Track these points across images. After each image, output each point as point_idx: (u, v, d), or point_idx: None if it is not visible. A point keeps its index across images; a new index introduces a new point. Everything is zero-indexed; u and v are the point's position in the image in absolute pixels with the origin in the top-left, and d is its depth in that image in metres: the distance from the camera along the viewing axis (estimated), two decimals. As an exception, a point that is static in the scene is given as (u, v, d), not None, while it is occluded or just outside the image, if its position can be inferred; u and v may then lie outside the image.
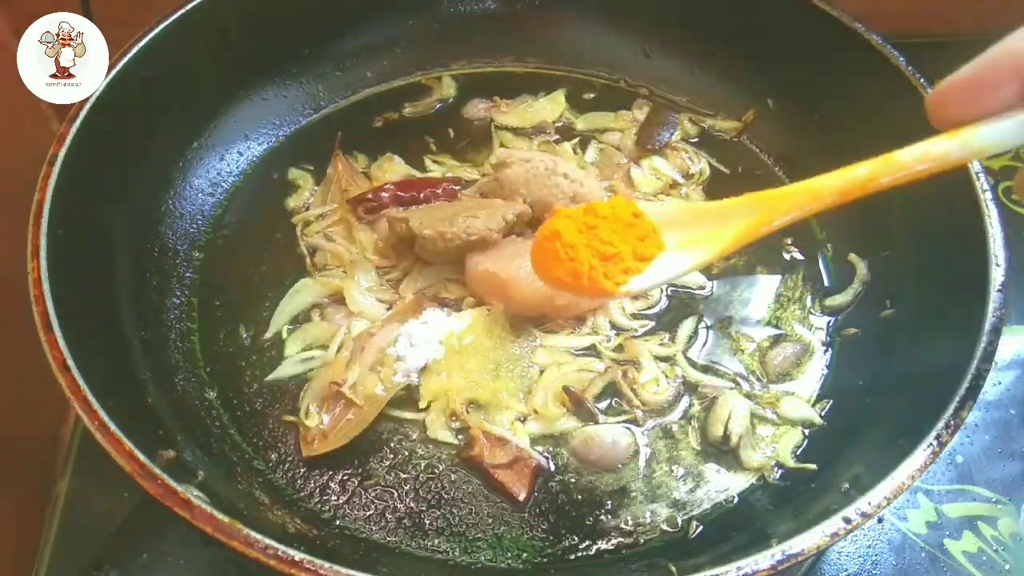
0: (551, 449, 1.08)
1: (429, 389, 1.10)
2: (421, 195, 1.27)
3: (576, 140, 1.41)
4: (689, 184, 1.36)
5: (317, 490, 1.05)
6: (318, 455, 1.06)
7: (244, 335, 1.17)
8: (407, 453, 1.08)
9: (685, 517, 1.04)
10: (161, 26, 1.18)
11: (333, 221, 1.28)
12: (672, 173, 1.36)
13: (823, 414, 1.13)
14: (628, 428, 1.10)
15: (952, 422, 0.89)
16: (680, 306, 1.22)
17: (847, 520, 0.84)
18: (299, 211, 1.30)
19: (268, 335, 1.17)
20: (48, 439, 1.26)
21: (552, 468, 1.07)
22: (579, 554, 1.01)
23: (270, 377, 1.13)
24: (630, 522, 1.04)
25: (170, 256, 1.22)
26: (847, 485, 0.95)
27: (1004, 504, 1.19)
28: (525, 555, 1.01)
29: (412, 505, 1.04)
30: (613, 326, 1.18)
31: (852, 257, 1.25)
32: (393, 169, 1.34)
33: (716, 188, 1.36)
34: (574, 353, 1.16)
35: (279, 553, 0.78)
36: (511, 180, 1.22)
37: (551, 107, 1.45)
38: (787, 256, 1.28)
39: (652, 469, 1.08)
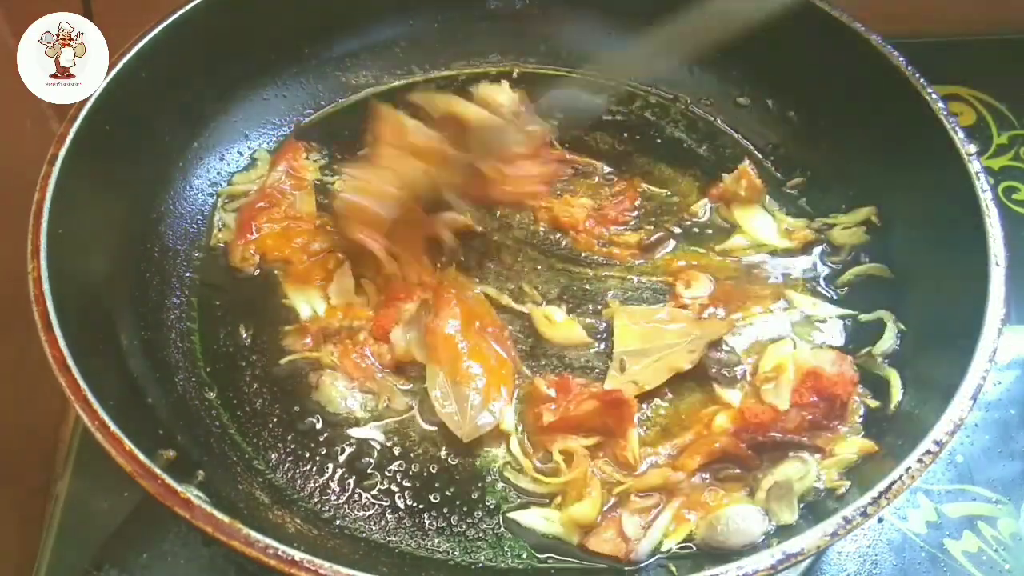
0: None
1: None
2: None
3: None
4: None
5: (317, 490, 1.05)
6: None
7: (244, 335, 1.17)
8: (407, 452, 1.08)
9: (685, 517, 1.04)
10: (161, 26, 1.18)
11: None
12: None
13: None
14: (760, 510, 0.98)
15: (952, 422, 0.89)
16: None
17: (847, 520, 0.83)
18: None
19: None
20: (48, 439, 1.26)
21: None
22: (579, 554, 1.01)
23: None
24: (630, 522, 1.03)
25: (170, 256, 1.22)
26: (847, 485, 0.95)
27: (1004, 504, 1.19)
28: (525, 555, 1.01)
29: (412, 505, 1.04)
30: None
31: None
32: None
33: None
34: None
35: (279, 553, 0.78)
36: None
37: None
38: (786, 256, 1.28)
39: (652, 469, 1.08)
